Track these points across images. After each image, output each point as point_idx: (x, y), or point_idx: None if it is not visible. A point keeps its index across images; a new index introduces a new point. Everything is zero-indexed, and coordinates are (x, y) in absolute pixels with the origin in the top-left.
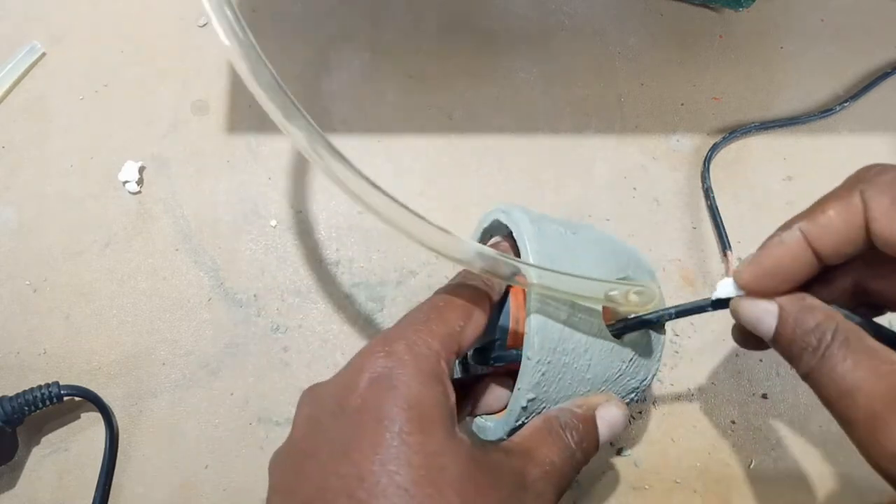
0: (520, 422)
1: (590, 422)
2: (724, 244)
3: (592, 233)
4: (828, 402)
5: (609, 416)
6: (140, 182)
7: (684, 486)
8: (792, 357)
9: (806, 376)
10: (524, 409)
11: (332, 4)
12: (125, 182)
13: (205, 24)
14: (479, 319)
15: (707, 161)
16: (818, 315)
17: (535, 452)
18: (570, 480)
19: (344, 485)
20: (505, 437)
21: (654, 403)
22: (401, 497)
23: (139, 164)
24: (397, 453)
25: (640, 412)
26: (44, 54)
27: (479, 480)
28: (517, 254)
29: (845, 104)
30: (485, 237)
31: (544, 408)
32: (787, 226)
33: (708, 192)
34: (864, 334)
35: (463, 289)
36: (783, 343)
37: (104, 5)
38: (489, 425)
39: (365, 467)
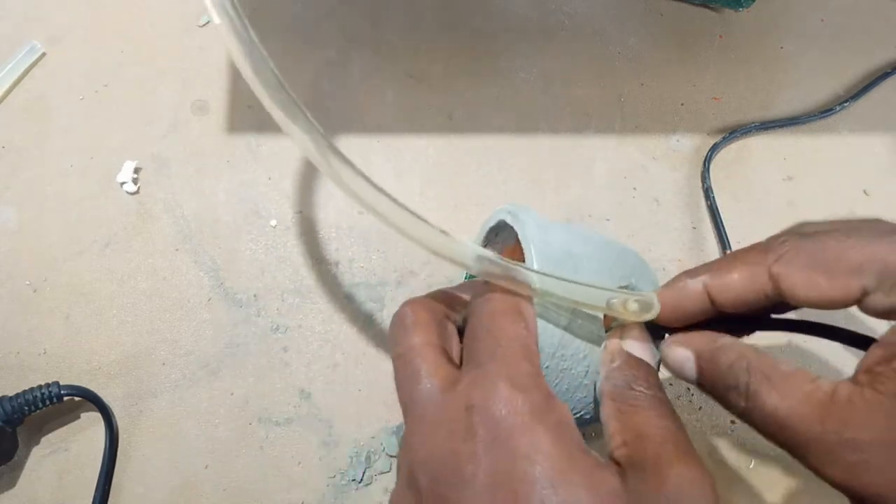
0: None
1: (634, 362)
2: (725, 244)
3: (597, 238)
4: (770, 436)
5: (634, 340)
6: (136, 182)
7: None
8: (720, 399)
9: (741, 416)
10: None
11: (332, 4)
12: (122, 183)
13: (205, 24)
14: (528, 309)
15: (707, 161)
16: (731, 355)
17: (643, 430)
18: (682, 426)
19: None
20: None
21: None
22: None
23: (135, 163)
24: None
25: None
26: (44, 54)
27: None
28: (521, 255)
29: (845, 104)
30: (490, 236)
31: None
32: (693, 273)
33: (708, 193)
34: (775, 361)
35: (496, 311)
36: (707, 388)
37: (104, 5)
38: None
39: None
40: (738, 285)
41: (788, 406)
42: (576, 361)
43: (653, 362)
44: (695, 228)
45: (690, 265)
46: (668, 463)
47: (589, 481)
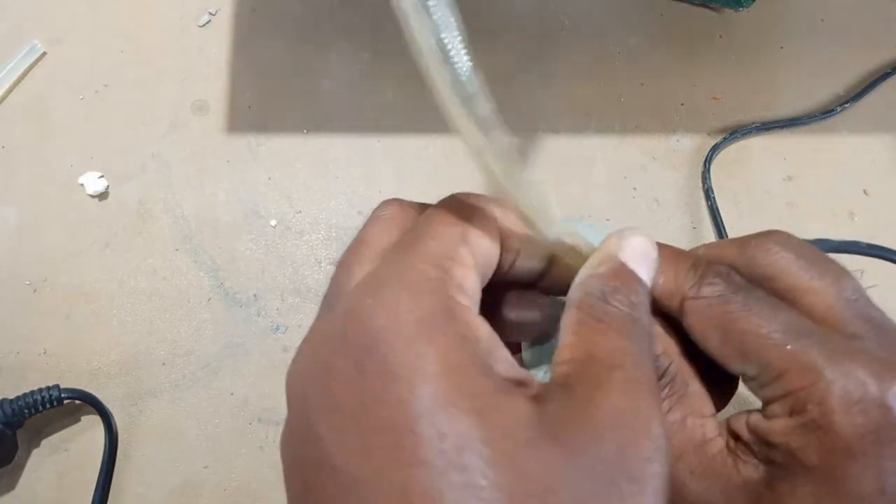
0: None
1: (624, 273)
2: None
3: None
4: None
5: (636, 248)
6: (105, 194)
7: None
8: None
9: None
10: None
11: (332, 4)
12: (85, 187)
13: (205, 24)
14: (487, 223)
15: (707, 162)
16: (657, 347)
17: (596, 351)
18: (652, 360)
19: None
20: None
21: None
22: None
23: (99, 174)
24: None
25: None
26: (44, 54)
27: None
28: None
29: (846, 105)
30: None
31: None
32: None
33: (708, 193)
34: (692, 377)
35: (441, 207)
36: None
37: (104, 5)
38: None
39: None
40: (657, 289)
41: (677, 438)
42: None
43: (649, 280)
44: (695, 228)
45: None
46: (607, 392)
47: (481, 407)
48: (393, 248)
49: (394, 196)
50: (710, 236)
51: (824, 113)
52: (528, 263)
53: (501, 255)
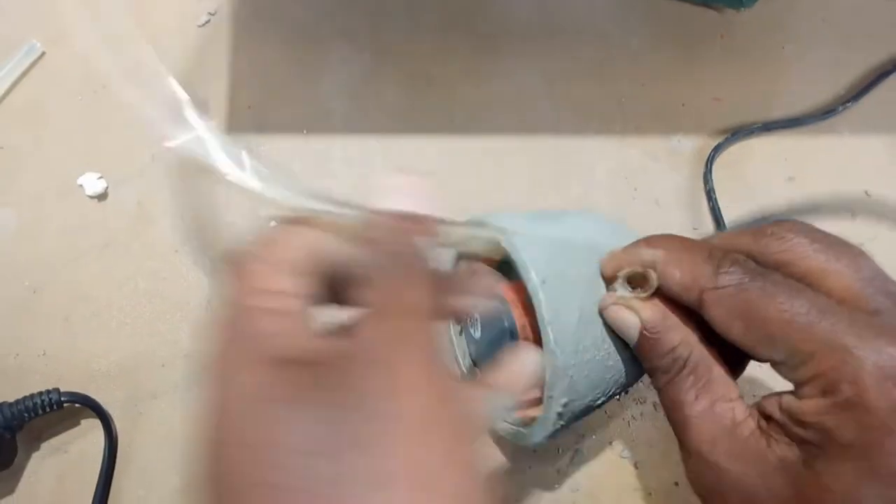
0: (557, 426)
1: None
2: None
3: (572, 220)
4: (669, 420)
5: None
6: (104, 195)
7: (684, 488)
8: (648, 370)
9: (658, 391)
10: (560, 414)
11: (332, 4)
12: (84, 188)
13: (204, 24)
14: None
15: (709, 163)
16: (675, 337)
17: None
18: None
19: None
20: (546, 441)
21: (653, 405)
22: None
23: (98, 175)
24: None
25: (641, 413)
26: (43, 54)
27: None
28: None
29: (848, 104)
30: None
31: (578, 405)
32: (653, 242)
33: (710, 195)
34: (713, 363)
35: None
36: (642, 355)
37: (104, 5)
38: (525, 432)
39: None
40: (674, 284)
41: (696, 412)
42: (597, 349)
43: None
44: (696, 229)
45: None
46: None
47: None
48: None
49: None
50: (700, 237)
51: (826, 113)
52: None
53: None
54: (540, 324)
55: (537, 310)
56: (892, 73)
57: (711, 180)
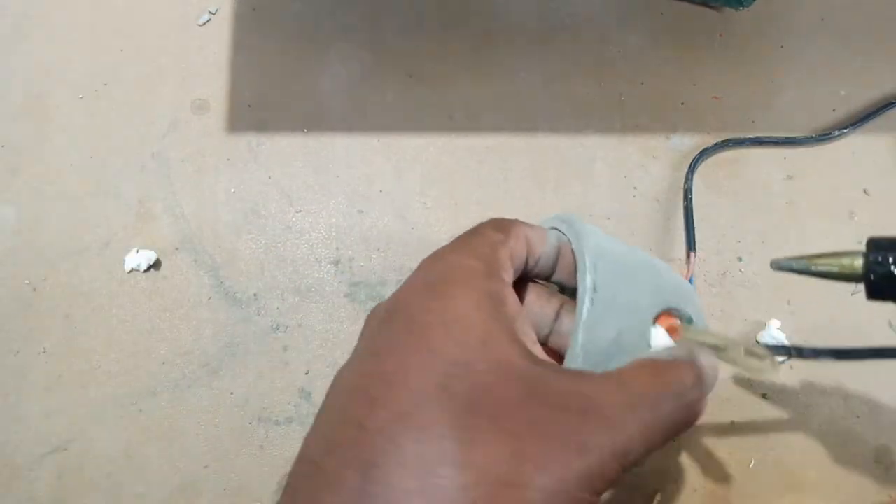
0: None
1: (692, 366)
2: (690, 245)
3: (645, 255)
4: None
5: (708, 364)
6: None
7: (684, 486)
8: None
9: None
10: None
11: (332, 3)
12: (131, 270)
13: (205, 23)
14: (517, 233)
15: (693, 163)
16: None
17: (626, 379)
18: (667, 430)
19: (364, 380)
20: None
21: None
22: (410, 399)
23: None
24: (419, 356)
25: None
26: (44, 53)
27: (504, 395)
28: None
29: (845, 130)
30: None
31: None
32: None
33: (687, 194)
34: None
35: (486, 221)
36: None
37: (104, 5)
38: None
39: (387, 366)
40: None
41: None
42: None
43: None
44: (695, 228)
45: (692, 264)
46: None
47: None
48: (451, 246)
49: (393, 194)
50: (710, 235)
51: (822, 136)
52: (544, 265)
53: (528, 259)
54: (575, 323)
55: (577, 310)
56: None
57: (691, 179)
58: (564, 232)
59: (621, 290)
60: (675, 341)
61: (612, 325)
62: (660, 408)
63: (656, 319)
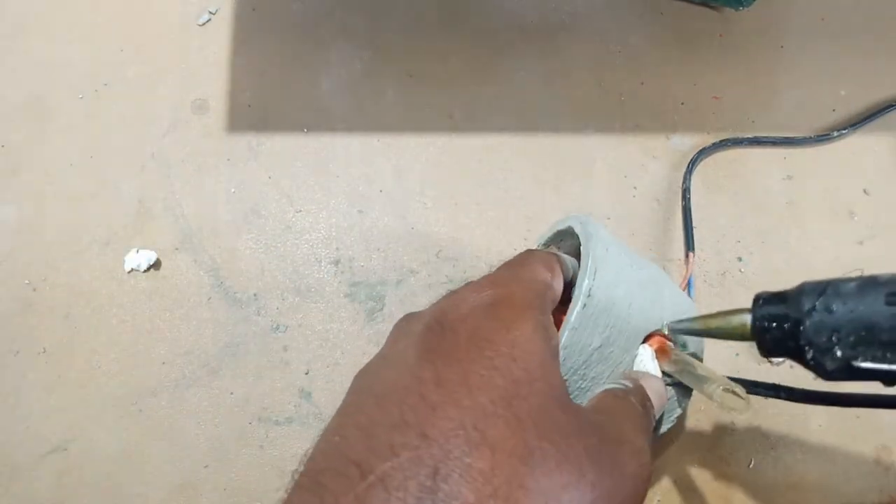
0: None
1: (642, 389)
2: (689, 245)
3: (654, 271)
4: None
5: (653, 386)
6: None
7: (683, 486)
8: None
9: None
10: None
11: (332, 4)
12: (131, 270)
13: (205, 23)
14: (559, 273)
15: (692, 163)
16: None
17: (614, 413)
18: (649, 446)
19: (419, 385)
20: None
21: None
22: (474, 411)
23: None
24: (482, 371)
25: None
26: (45, 53)
27: (561, 422)
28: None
29: (844, 131)
30: (555, 237)
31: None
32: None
33: (685, 194)
34: None
35: (533, 253)
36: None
37: (104, 5)
38: None
39: (446, 375)
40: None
41: None
42: (596, 384)
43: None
44: (695, 227)
45: (690, 264)
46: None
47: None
48: (505, 277)
49: (393, 194)
50: (710, 235)
51: (821, 137)
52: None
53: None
54: (565, 321)
55: (569, 310)
56: (892, 107)
57: (689, 179)
58: (578, 233)
59: (617, 301)
60: (661, 363)
61: (598, 334)
62: (643, 427)
63: (648, 338)
